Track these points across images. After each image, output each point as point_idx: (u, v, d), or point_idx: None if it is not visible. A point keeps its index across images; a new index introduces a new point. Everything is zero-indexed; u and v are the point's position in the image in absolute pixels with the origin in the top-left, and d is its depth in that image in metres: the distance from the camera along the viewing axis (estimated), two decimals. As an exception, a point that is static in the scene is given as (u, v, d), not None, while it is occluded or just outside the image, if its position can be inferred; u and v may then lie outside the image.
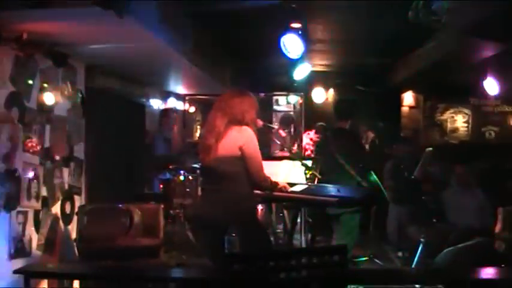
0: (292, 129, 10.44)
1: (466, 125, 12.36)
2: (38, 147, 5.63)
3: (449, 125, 12.39)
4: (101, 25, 4.77)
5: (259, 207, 6.61)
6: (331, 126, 8.77)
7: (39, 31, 4.86)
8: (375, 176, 6.80)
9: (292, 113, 11.31)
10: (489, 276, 4.68)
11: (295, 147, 9.65)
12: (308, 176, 5.40)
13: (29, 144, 5.49)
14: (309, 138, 10.25)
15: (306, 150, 10.06)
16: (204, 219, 4.51)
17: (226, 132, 4.29)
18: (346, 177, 6.45)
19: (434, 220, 7.88)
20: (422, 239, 7.24)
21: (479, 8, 5.31)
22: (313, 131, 10.37)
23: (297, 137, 10.43)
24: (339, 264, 2.88)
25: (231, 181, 4.32)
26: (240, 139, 4.27)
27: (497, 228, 6.33)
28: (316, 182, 5.50)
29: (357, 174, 6.53)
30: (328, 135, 6.92)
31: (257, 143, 4.38)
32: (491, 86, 8.88)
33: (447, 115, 12.39)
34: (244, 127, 4.33)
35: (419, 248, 7.16)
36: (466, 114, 12.35)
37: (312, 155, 9.62)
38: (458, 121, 12.36)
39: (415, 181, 7.35)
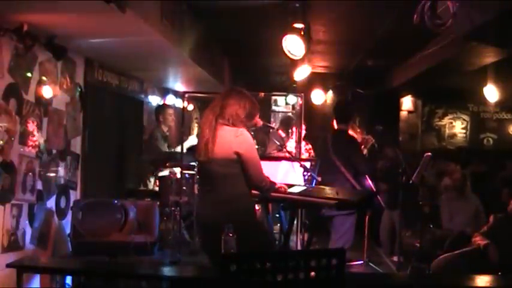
0: (291, 130, 10.40)
1: (464, 131, 12.37)
2: (37, 143, 5.61)
3: (447, 131, 12.40)
4: (102, 19, 4.73)
5: (256, 207, 6.58)
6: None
7: (39, 23, 4.82)
8: (369, 181, 6.78)
9: (291, 114, 11.29)
10: (485, 284, 4.65)
11: (293, 148, 9.60)
12: (306, 177, 5.37)
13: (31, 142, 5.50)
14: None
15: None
16: (202, 218, 4.48)
17: (218, 131, 4.22)
18: (341, 179, 6.43)
19: (430, 225, 7.87)
20: (417, 244, 7.22)
21: (481, 13, 5.29)
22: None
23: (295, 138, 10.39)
24: (337, 268, 2.84)
25: (228, 182, 4.27)
26: (236, 144, 4.19)
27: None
28: (314, 184, 5.47)
29: (353, 177, 6.52)
30: (327, 137, 6.90)
31: (254, 145, 4.34)
32: (491, 92, 8.87)
33: (445, 120, 12.40)
34: (241, 129, 4.26)
35: (415, 253, 7.14)
36: (465, 120, 12.35)
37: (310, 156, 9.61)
38: (457, 127, 12.36)
39: (412, 186, 7.32)
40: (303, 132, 10.19)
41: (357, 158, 6.67)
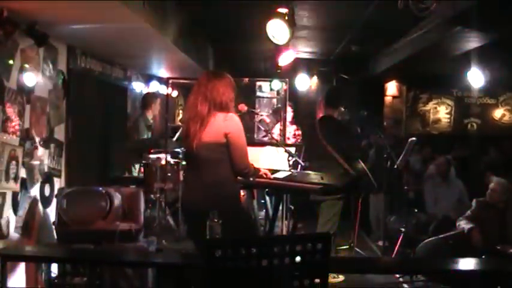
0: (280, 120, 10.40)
1: (448, 116, 12.42)
2: (20, 130, 5.55)
3: (431, 116, 12.45)
4: (83, 4, 4.67)
5: (242, 193, 6.58)
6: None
7: (19, 8, 4.76)
8: (362, 164, 6.79)
9: (275, 99, 11.28)
10: (468, 267, 4.70)
11: (278, 134, 9.60)
12: (291, 162, 5.37)
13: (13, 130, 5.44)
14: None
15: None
16: (187, 203, 4.48)
17: (210, 118, 4.22)
18: (333, 164, 6.45)
19: (415, 210, 7.92)
20: (402, 229, 7.27)
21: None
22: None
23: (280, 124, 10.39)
24: (322, 252, 2.85)
25: (214, 167, 4.27)
26: (226, 127, 4.20)
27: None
28: (299, 169, 5.48)
29: (345, 161, 6.53)
30: (316, 123, 6.91)
31: (243, 131, 4.33)
32: (476, 77, 8.90)
33: (430, 106, 12.44)
34: (231, 114, 4.26)
35: (400, 238, 7.19)
36: (449, 105, 12.40)
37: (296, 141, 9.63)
38: (441, 112, 12.41)
39: (397, 171, 7.36)
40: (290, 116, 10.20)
41: (347, 141, 6.69)
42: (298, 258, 2.79)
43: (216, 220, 3.43)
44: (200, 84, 4.37)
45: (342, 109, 6.83)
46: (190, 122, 4.30)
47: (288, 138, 10.07)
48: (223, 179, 4.27)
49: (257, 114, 6.16)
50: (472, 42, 7.52)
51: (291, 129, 10.43)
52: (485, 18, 5.65)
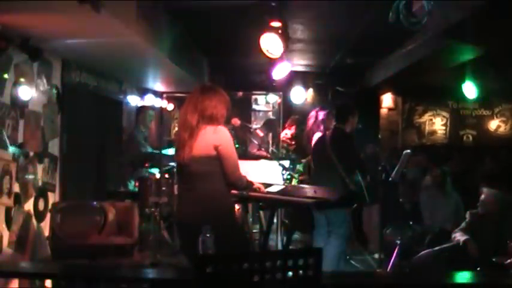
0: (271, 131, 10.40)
1: (444, 127, 12.41)
2: (13, 145, 5.54)
3: (427, 128, 12.44)
4: (77, 19, 4.69)
5: (236, 206, 6.57)
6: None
7: (13, 23, 4.76)
8: (359, 177, 6.80)
9: (270, 112, 11.30)
10: (464, 281, 4.68)
11: (273, 147, 9.60)
12: (285, 176, 5.36)
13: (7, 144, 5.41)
14: (289, 133, 10.18)
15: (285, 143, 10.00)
16: (181, 217, 4.46)
17: (199, 130, 4.23)
18: (337, 176, 6.47)
19: (410, 222, 7.90)
20: (398, 241, 7.25)
21: (457, 11, 5.32)
22: (293, 126, 10.30)
23: (274, 137, 10.39)
24: (314, 267, 2.83)
25: (207, 180, 4.27)
26: (215, 139, 4.21)
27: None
28: (293, 183, 5.48)
29: (344, 173, 6.54)
30: (326, 134, 6.95)
31: (232, 143, 4.34)
32: (470, 89, 8.93)
33: (425, 117, 12.44)
34: (220, 127, 4.28)
35: (396, 250, 7.17)
36: (444, 117, 12.40)
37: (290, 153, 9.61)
38: (437, 124, 12.41)
39: (392, 183, 7.35)
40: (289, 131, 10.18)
41: (350, 154, 6.71)
42: (290, 274, 2.78)
43: (208, 235, 3.41)
44: (193, 95, 4.41)
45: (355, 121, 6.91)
46: (180, 131, 4.34)
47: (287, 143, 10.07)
48: (216, 192, 4.28)
49: (250, 127, 6.16)
50: (466, 54, 7.55)
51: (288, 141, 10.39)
52: (477, 31, 5.67)
